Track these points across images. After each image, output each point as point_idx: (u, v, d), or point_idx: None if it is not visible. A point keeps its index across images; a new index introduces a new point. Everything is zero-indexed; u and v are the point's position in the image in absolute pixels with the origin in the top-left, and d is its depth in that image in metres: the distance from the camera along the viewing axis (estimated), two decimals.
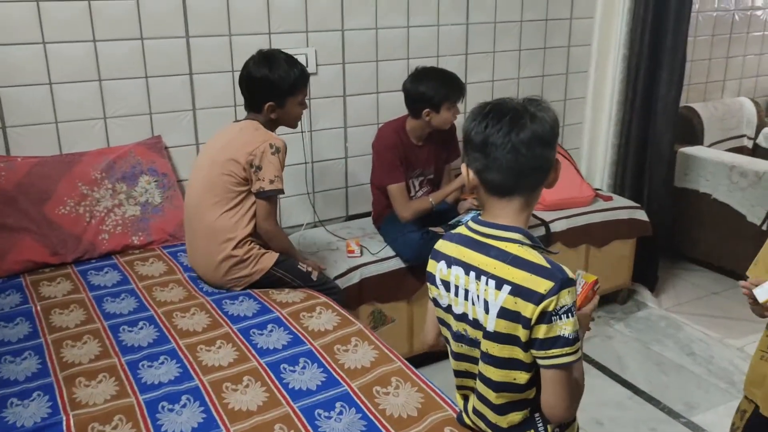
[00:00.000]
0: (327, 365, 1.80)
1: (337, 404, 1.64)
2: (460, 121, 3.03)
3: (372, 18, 2.93)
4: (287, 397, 1.67)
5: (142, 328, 1.99)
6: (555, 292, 1.14)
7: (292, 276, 2.26)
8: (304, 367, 1.80)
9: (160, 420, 1.58)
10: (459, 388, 1.44)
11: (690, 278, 3.71)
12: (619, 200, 3.38)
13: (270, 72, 2.21)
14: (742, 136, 4.14)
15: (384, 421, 1.57)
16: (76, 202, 2.42)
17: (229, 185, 2.19)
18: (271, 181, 2.19)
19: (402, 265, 2.69)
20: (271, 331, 1.98)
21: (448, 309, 1.33)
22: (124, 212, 2.49)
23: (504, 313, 1.20)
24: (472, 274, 1.25)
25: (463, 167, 1.28)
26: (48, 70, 2.44)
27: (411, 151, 2.77)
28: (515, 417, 1.30)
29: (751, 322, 1.75)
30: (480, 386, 1.32)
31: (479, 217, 1.30)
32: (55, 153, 2.51)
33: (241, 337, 1.95)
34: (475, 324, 1.26)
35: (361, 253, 2.70)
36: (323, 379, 1.74)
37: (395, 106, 3.01)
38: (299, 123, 2.41)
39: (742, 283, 1.56)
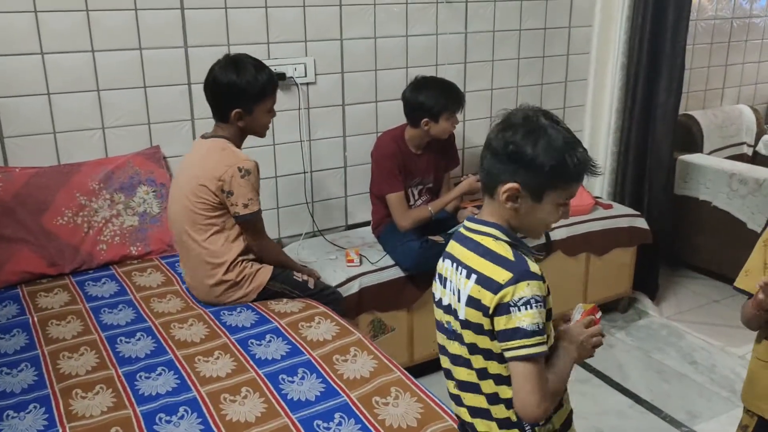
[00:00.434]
0: (326, 375, 1.79)
1: (336, 415, 1.63)
2: (459, 131, 3.04)
3: (371, 27, 2.93)
4: (286, 408, 1.66)
5: (139, 339, 1.98)
6: (512, 282, 1.17)
7: (289, 288, 2.25)
8: (302, 378, 1.78)
9: None
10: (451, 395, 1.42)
11: (691, 286, 3.70)
12: (619, 208, 3.37)
13: (237, 77, 2.12)
14: (742, 143, 4.13)
15: None
16: (74, 213, 2.41)
17: (206, 212, 2.14)
18: (245, 205, 2.11)
19: (401, 274, 2.67)
20: (270, 341, 1.97)
21: (439, 302, 1.35)
22: (122, 222, 2.49)
23: (470, 301, 1.23)
24: (455, 265, 1.29)
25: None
26: (46, 80, 2.44)
27: (410, 159, 2.76)
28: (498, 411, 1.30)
29: (753, 330, 1.74)
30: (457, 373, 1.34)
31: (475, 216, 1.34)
32: (53, 163, 2.50)
33: (239, 347, 1.93)
34: (455, 314, 1.29)
35: (361, 262, 2.68)
36: (322, 390, 1.73)
37: (394, 115, 3.01)
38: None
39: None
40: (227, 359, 1.88)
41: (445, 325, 1.32)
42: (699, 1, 3.96)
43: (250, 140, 2.32)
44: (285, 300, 2.23)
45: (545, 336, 1.19)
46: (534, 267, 1.20)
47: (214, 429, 1.58)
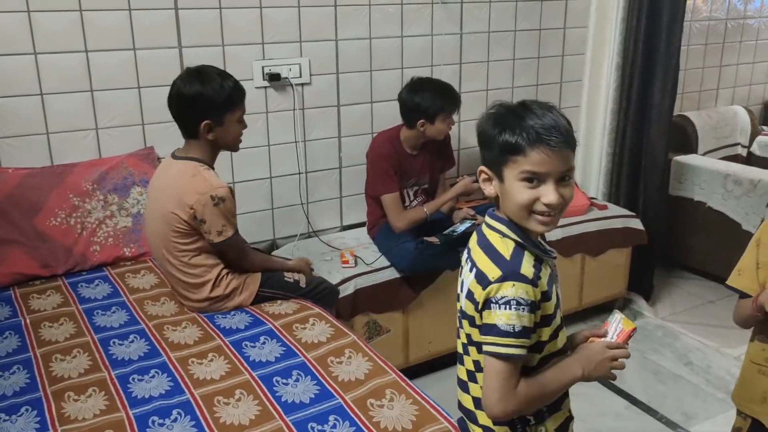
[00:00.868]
0: (320, 377, 1.78)
1: (331, 417, 1.62)
2: (454, 131, 3.03)
3: (366, 28, 2.93)
4: (280, 410, 1.65)
5: (132, 342, 1.97)
6: (499, 280, 1.17)
7: (282, 291, 2.23)
8: (297, 380, 1.77)
9: None
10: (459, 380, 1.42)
11: (685, 287, 3.70)
12: (614, 209, 3.37)
13: (203, 87, 2.02)
14: (736, 144, 4.14)
15: None
16: (68, 214, 2.40)
17: (180, 239, 2.08)
18: (219, 233, 2.05)
19: (397, 275, 2.67)
20: (264, 343, 1.96)
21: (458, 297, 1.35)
22: (116, 224, 2.47)
23: (468, 294, 1.24)
24: (466, 257, 1.30)
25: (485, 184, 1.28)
26: (39, 81, 2.42)
27: (405, 160, 2.76)
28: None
29: (747, 330, 1.73)
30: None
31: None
32: (46, 164, 2.48)
33: (233, 349, 1.92)
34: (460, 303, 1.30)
35: (356, 263, 2.68)
36: (316, 392, 1.72)
37: (389, 116, 3.00)
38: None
39: None
40: (221, 361, 1.86)
41: (457, 312, 1.33)
42: (693, 2, 3.97)
43: (245, 141, 2.30)
44: (279, 301, 2.21)
45: (523, 340, 1.17)
46: (527, 269, 1.18)
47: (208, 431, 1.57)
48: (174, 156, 2.17)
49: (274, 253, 2.80)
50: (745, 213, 3.39)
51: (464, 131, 3.29)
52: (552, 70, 3.51)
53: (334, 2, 2.82)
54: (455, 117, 2.76)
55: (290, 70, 2.79)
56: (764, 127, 4.38)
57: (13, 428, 1.58)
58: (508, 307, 1.16)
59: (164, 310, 2.16)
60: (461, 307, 1.27)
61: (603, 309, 3.39)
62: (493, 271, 1.19)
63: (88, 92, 2.50)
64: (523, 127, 1.17)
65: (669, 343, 3.14)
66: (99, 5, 2.44)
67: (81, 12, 2.42)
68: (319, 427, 1.58)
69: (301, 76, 2.83)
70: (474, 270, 1.23)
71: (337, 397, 1.70)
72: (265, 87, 2.78)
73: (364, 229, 2.99)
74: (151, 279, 2.36)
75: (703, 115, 4.05)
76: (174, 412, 1.64)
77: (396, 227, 2.69)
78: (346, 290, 2.55)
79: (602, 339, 1.31)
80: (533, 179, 1.18)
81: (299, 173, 2.93)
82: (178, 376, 1.79)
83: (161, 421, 1.61)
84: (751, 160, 4.12)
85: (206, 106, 2.04)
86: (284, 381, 1.77)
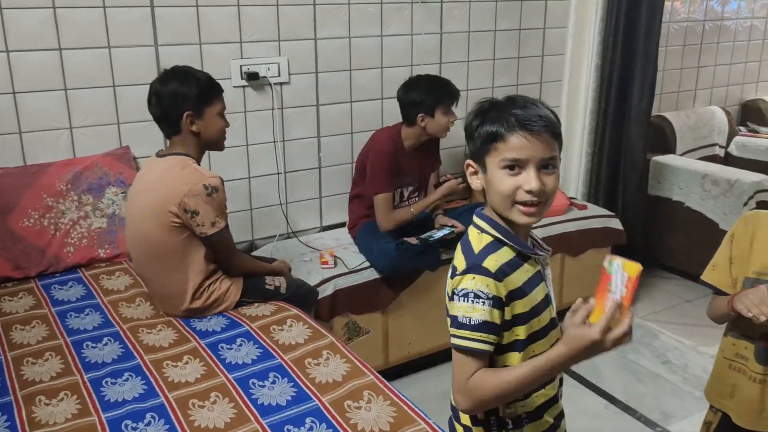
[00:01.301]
0: (297, 380, 1.76)
1: (308, 420, 1.60)
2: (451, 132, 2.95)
3: (345, 27, 2.91)
4: (256, 413, 1.63)
5: (106, 344, 1.93)
6: (463, 272, 1.18)
7: (263, 299, 2.20)
8: (273, 382, 1.75)
9: None
10: None
11: (664, 286, 3.73)
12: (594, 209, 3.39)
13: (179, 83, 2.08)
14: (714, 144, 4.18)
15: None
16: (41, 215, 2.35)
17: (167, 237, 2.03)
18: (213, 224, 2.02)
19: (376, 275, 2.65)
20: (241, 345, 1.93)
21: None
22: (90, 224, 2.43)
23: (447, 285, 1.24)
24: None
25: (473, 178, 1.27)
26: (11, 79, 2.37)
27: (403, 159, 2.76)
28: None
29: (723, 327, 1.74)
30: None
31: None
32: (19, 164, 2.43)
33: (209, 352, 1.90)
34: None
35: (335, 264, 2.66)
36: (293, 394, 1.70)
37: (369, 116, 2.99)
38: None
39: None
40: (196, 364, 1.84)
41: None
42: (672, 3, 4.00)
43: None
44: (257, 303, 2.19)
45: (482, 334, 1.14)
46: (490, 263, 1.16)
47: None
48: (158, 155, 2.15)
49: (252, 254, 2.77)
50: (722, 213, 3.42)
51: None
52: (532, 71, 3.51)
53: (313, 1, 2.81)
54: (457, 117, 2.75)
55: (269, 69, 2.77)
56: (741, 128, 4.43)
57: None
58: (466, 299, 1.16)
59: (139, 313, 2.13)
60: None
61: None
62: (461, 264, 1.20)
63: (61, 91, 2.46)
64: (505, 117, 1.17)
65: (648, 343, 3.16)
66: (73, 2, 2.40)
67: (54, 9, 2.38)
68: (296, 430, 1.56)
69: (279, 76, 2.80)
70: (452, 262, 1.24)
71: (314, 399, 1.68)
72: (243, 86, 2.75)
73: (344, 230, 2.98)
74: (126, 280, 2.32)
75: (682, 115, 4.09)
76: (148, 415, 1.61)
77: (383, 228, 2.69)
78: (326, 291, 2.53)
79: (607, 302, 1.07)
80: (514, 166, 1.17)
81: (278, 173, 2.91)
82: (152, 379, 1.76)
83: (134, 424, 1.58)
84: (728, 160, 4.16)
85: (185, 98, 2.07)
86: (260, 383, 1.75)
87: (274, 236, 2.94)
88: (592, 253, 3.28)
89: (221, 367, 1.82)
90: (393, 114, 3.10)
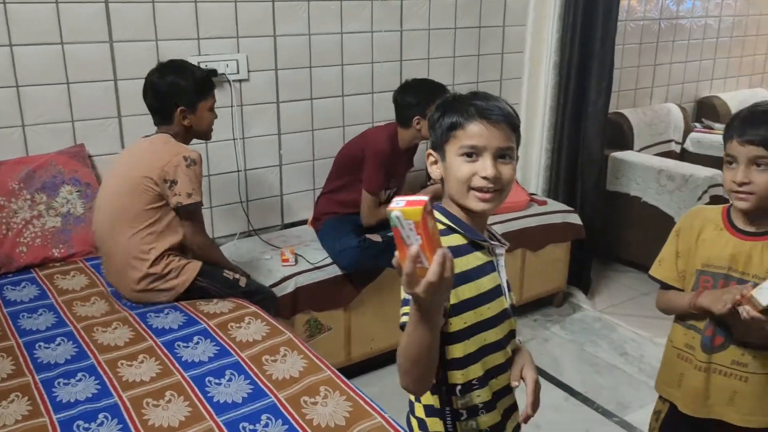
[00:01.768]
0: (254, 376, 1.76)
1: (263, 416, 1.60)
2: None
3: (304, 24, 2.90)
4: (211, 411, 1.62)
5: (59, 345, 1.90)
6: None
7: (219, 285, 2.20)
8: (230, 380, 1.74)
9: None
10: None
11: (622, 280, 3.80)
12: (554, 204, 3.43)
13: (177, 76, 2.17)
14: (670, 141, 4.27)
15: None
16: None
17: (142, 204, 2.11)
18: (189, 195, 2.12)
19: (338, 272, 2.65)
20: (197, 343, 1.92)
21: None
22: (44, 224, 2.39)
23: None
24: None
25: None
26: None
27: (396, 160, 2.80)
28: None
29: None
30: None
31: None
32: None
33: (165, 350, 1.88)
34: None
35: (296, 261, 2.65)
36: (249, 391, 1.69)
37: (329, 112, 2.99)
38: (212, 132, 2.35)
39: (735, 296, 1.42)
40: (152, 363, 1.82)
41: None
42: (628, 2, 4.08)
43: None
44: (215, 300, 2.18)
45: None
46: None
47: None
48: (145, 137, 2.25)
49: None
50: (677, 207, 3.50)
51: None
52: (492, 68, 3.55)
53: None
54: None
55: (227, 66, 2.75)
56: (697, 124, 4.54)
57: None
58: None
59: (94, 311, 2.10)
60: None
61: (544, 303, 3.46)
62: None
63: (13, 88, 2.41)
64: (465, 107, 1.22)
65: (606, 335, 3.22)
66: None
67: (5, 5, 2.33)
68: (251, 427, 1.56)
69: (238, 72, 2.78)
70: None
71: (271, 395, 1.68)
72: None
73: (305, 227, 2.97)
74: (81, 280, 2.29)
75: (639, 112, 4.17)
76: (100, 415, 1.59)
77: (366, 223, 2.75)
78: (286, 288, 2.53)
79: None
80: (472, 153, 1.20)
81: (238, 171, 2.89)
82: (106, 379, 1.74)
83: (86, 425, 1.56)
84: (684, 156, 4.26)
85: (181, 92, 2.17)
86: (217, 381, 1.74)
87: (235, 234, 2.93)
88: (551, 248, 3.33)
89: (177, 365, 1.81)
90: (354, 111, 3.11)
